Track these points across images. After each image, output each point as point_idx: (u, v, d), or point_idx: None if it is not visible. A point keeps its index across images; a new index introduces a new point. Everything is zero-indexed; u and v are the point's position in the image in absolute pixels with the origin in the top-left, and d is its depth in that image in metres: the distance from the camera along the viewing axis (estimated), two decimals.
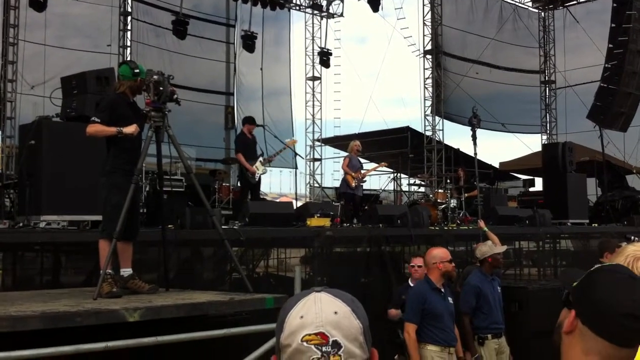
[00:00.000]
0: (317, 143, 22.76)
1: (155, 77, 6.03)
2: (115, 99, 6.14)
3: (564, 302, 1.75)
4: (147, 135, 6.09)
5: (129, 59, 16.09)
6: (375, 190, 16.80)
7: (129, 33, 17.40)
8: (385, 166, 14.86)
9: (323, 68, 22.17)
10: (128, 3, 17.40)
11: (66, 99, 8.91)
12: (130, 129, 5.86)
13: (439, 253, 6.74)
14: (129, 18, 17.40)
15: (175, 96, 6.17)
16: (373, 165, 14.90)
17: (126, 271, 6.04)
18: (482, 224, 9.33)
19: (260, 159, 11.60)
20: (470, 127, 11.79)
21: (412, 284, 7.35)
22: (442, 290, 6.59)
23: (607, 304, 1.62)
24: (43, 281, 7.76)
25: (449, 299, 6.68)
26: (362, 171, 13.08)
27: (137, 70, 6.14)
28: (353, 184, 12.61)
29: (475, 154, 11.68)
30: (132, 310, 4.82)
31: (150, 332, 4.65)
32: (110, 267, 5.73)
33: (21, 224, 7.98)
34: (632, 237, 8.85)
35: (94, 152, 6.88)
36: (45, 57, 15.36)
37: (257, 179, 11.58)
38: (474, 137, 11.67)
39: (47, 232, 7.71)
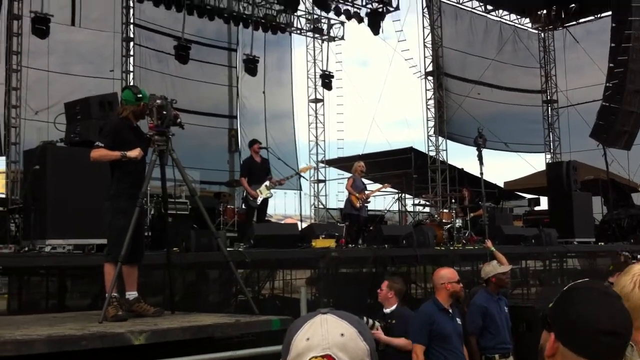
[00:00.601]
0: (321, 165, 22.78)
1: (158, 101, 6.05)
2: (119, 123, 6.16)
3: (542, 324, 1.73)
4: (151, 159, 6.10)
5: (131, 84, 16.18)
6: (380, 210, 16.77)
7: (131, 58, 17.50)
8: (389, 187, 14.83)
9: (325, 90, 22.26)
10: (130, 29, 17.53)
11: (70, 124, 8.95)
12: (134, 152, 5.88)
13: (447, 273, 6.68)
14: (132, 44, 17.52)
15: (179, 120, 6.19)
16: (377, 186, 14.89)
17: (132, 294, 6.02)
18: (489, 243, 9.27)
19: (267, 182, 11.58)
20: (476, 147, 11.80)
21: (385, 310, 6.87)
22: (450, 311, 6.53)
23: (585, 322, 1.60)
24: (49, 305, 7.76)
25: (457, 319, 6.61)
26: (366, 192, 13.07)
27: (139, 95, 6.17)
28: (357, 205, 12.61)
29: (482, 173, 11.67)
30: (138, 333, 4.80)
31: (156, 355, 4.62)
32: (115, 290, 5.72)
33: (27, 249, 7.99)
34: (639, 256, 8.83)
35: (98, 177, 6.90)
36: (49, 83, 15.43)
37: (258, 203, 11.56)
38: (480, 157, 11.67)
39: (52, 256, 7.71)
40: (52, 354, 4.36)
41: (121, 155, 5.85)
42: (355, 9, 19.59)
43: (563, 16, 23.53)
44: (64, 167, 8.07)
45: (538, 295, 11.89)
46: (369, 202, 13.29)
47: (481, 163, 11.62)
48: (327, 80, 21.79)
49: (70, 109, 9.10)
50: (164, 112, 6.03)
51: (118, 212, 5.90)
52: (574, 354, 1.61)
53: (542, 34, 24.38)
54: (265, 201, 11.72)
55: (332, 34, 22.43)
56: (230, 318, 5.90)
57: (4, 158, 15.13)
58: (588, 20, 23.14)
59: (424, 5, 20.74)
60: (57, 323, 5.42)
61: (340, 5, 19.41)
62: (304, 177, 16.50)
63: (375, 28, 20.03)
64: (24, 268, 7.75)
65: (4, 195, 13.21)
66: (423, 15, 20.84)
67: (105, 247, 6.37)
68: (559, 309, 1.67)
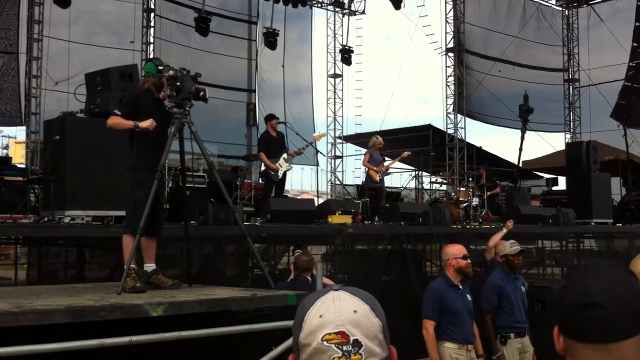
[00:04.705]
0: (338, 140, 22.73)
1: (170, 72, 5.98)
2: (140, 94, 6.18)
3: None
4: (170, 131, 6.10)
5: (152, 56, 16.17)
6: (397, 188, 16.76)
7: (152, 30, 17.47)
8: (409, 155, 14.65)
9: (345, 65, 22.13)
10: (151, 0, 17.47)
11: (90, 95, 8.99)
12: (146, 123, 5.86)
13: (453, 250, 6.69)
14: (152, 15, 17.47)
15: (202, 94, 6.16)
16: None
17: (150, 266, 6.06)
18: (510, 224, 9.13)
19: (285, 155, 11.59)
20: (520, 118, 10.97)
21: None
22: (460, 287, 6.55)
23: (561, 300, 1.49)
24: (67, 275, 7.85)
25: (468, 296, 6.63)
26: (385, 163, 13.07)
27: (161, 68, 6.14)
28: (377, 178, 12.64)
29: (521, 149, 11.03)
30: (156, 305, 4.84)
31: (172, 328, 4.67)
32: (134, 262, 5.76)
33: (46, 219, 8.07)
34: None
35: (117, 148, 6.93)
36: (70, 53, 15.46)
37: (280, 176, 11.60)
38: (523, 131, 10.92)
39: (71, 227, 7.78)
40: (70, 324, 4.41)
41: (134, 124, 5.86)
42: None
43: None
44: (84, 138, 8.12)
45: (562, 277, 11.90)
46: (389, 173, 13.31)
47: (523, 137, 10.84)
48: (346, 55, 21.63)
49: (91, 80, 9.13)
50: (178, 84, 5.98)
51: (137, 183, 5.91)
52: (569, 339, 1.49)
53: (567, 11, 24.04)
54: (284, 175, 11.74)
55: (353, 8, 22.26)
56: (247, 292, 5.93)
57: (24, 128, 15.27)
58: None
59: None
60: (76, 293, 5.48)
61: None
62: (321, 153, 16.47)
63: (396, 2, 19.85)
64: (43, 238, 7.83)
65: (24, 166, 13.31)
66: None
67: (124, 218, 6.42)
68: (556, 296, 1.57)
